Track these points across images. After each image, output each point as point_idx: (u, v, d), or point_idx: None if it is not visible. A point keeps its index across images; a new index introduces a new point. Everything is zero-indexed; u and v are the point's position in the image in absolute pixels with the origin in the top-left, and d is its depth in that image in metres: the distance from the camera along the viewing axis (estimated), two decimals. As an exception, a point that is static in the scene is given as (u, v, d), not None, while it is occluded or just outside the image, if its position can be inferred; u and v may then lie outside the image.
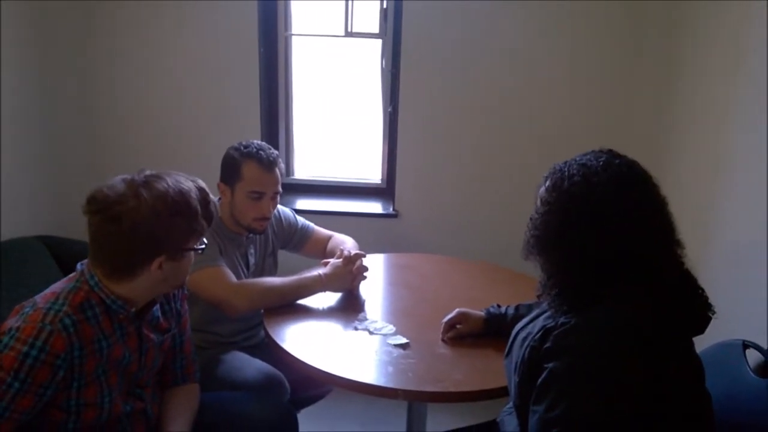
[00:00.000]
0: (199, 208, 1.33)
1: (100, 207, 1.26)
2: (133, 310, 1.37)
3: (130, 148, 2.92)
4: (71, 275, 1.36)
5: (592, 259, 1.16)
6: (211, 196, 1.41)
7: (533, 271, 2.21)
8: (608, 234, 1.14)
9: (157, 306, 1.49)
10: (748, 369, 1.54)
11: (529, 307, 1.71)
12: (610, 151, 1.22)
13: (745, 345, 1.59)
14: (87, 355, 1.28)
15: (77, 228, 2.61)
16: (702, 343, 1.67)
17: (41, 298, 1.29)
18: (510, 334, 1.52)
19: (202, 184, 1.40)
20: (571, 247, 1.17)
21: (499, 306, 1.77)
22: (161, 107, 2.89)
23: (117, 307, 1.33)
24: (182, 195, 1.31)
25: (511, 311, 1.73)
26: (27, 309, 1.26)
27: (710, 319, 1.17)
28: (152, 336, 1.46)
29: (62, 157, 2.72)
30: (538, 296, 1.28)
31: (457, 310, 1.76)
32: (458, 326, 1.75)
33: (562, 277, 1.20)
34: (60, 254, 2.30)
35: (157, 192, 1.28)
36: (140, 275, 1.31)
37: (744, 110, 2.04)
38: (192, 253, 1.40)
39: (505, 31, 2.74)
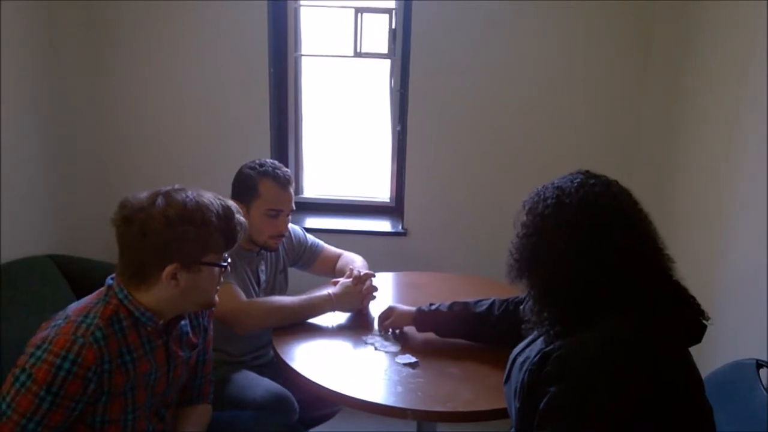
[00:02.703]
0: (216, 222, 1.33)
1: (121, 212, 1.31)
2: (161, 322, 1.37)
3: (140, 166, 2.95)
4: (100, 289, 1.37)
5: (572, 280, 1.15)
6: (241, 218, 1.41)
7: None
8: (584, 254, 1.14)
9: (186, 321, 1.49)
10: (762, 388, 1.52)
11: (465, 305, 1.78)
12: (587, 171, 1.23)
13: (759, 364, 1.57)
14: (115, 369, 1.29)
15: (88, 246, 2.66)
16: (715, 362, 1.66)
17: (73, 312, 1.30)
18: (445, 330, 1.79)
19: (232, 204, 1.41)
20: (550, 269, 1.18)
21: (431, 304, 1.85)
22: (171, 125, 2.92)
23: (146, 319, 1.34)
24: (198, 206, 1.32)
25: (444, 308, 1.81)
26: (59, 321, 1.28)
27: (705, 327, 1.16)
28: (181, 353, 1.47)
29: (72, 176, 2.74)
30: (527, 320, 1.28)
31: (389, 305, 1.90)
32: (388, 320, 1.86)
33: (547, 300, 1.20)
34: (70, 273, 2.31)
35: (172, 200, 1.31)
36: (155, 283, 1.32)
37: (755, 120, 2.02)
38: (216, 271, 1.39)
39: (513, 51, 2.76)
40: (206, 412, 1.62)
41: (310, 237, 2.30)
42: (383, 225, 3.05)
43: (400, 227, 3.00)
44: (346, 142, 3.30)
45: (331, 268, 2.26)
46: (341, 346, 1.86)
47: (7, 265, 2.19)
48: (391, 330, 1.89)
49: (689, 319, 1.16)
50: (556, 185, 1.21)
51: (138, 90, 2.87)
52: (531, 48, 2.75)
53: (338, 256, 2.29)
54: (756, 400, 1.51)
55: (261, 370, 2.04)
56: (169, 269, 1.30)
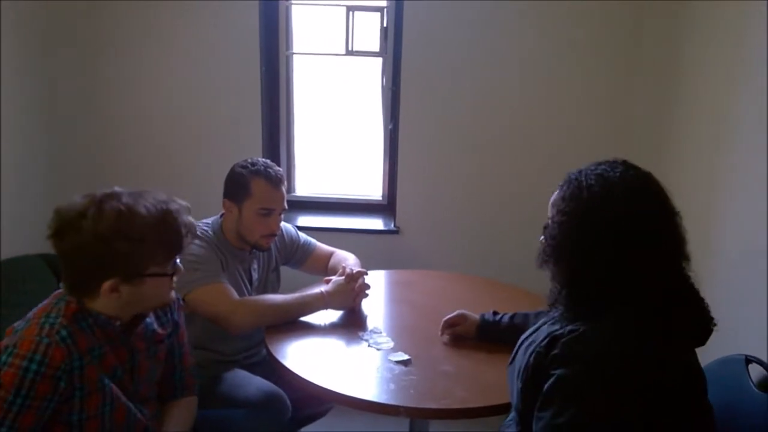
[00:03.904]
0: (153, 235, 1.27)
1: (53, 224, 1.26)
2: (118, 323, 1.35)
3: (131, 165, 2.94)
4: (56, 293, 1.34)
5: (605, 269, 1.16)
6: (187, 218, 1.34)
7: (534, 286, 2.20)
8: (623, 245, 1.15)
9: (151, 318, 1.46)
10: (751, 384, 1.53)
11: (525, 316, 1.75)
12: (625, 161, 1.23)
13: (748, 360, 1.58)
14: (86, 364, 1.27)
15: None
16: (704, 358, 1.67)
17: (34, 314, 1.29)
18: (502, 341, 1.69)
19: (175, 205, 1.33)
20: (586, 256, 1.18)
21: (495, 313, 1.82)
22: (163, 125, 2.91)
23: (101, 323, 1.32)
24: (131, 219, 1.25)
25: (506, 319, 1.78)
26: (21, 325, 1.26)
27: (711, 331, 1.18)
28: (143, 347, 1.43)
29: (63, 174, 2.73)
30: (550, 305, 1.28)
31: (458, 311, 1.84)
32: (457, 327, 1.82)
33: (576, 286, 1.21)
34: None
35: (105, 215, 1.24)
36: (96, 297, 1.28)
37: (745, 116, 2.04)
38: (159, 279, 1.33)
39: (505, 50, 2.76)
40: (191, 404, 1.61)
41: (303, 235, 2.30)
42: (375, 223, 3.05)
43: (392, 225, 3.00)
44: (338, 141, 3.30)
45: (323, 267, 2.26)
46: (334, 344, 1.86)
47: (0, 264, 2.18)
48: (445, 336, 1.84)
49: (698, 321, 1.18)
50: (596, 172, 1.20)
51: (131, 89, 2.86)
52: (523, 46, 2.76)
53: (330, 254, 2.29)
54: (745, 395, 1.52)
55: (253, 368, 2.04)
56: (108, 284, 1.26)
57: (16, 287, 2.10)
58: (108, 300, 1.29)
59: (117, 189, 1.30)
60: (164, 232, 1.29)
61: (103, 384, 1.32)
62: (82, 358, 1.27)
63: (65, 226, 1.25)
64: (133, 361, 1.41)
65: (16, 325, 1.29)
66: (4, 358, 1.20)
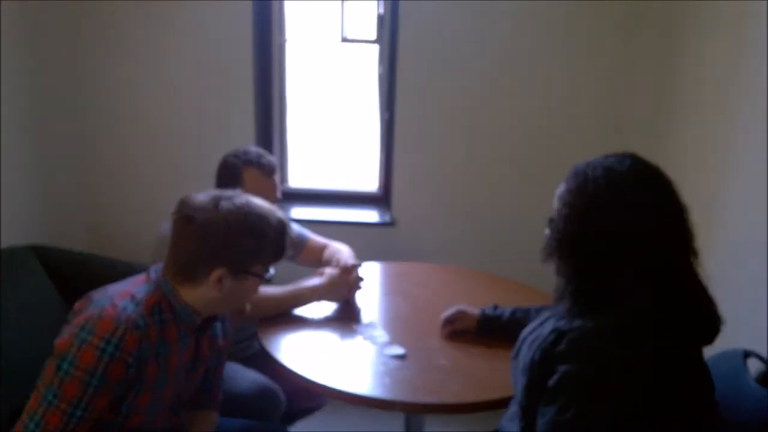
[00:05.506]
0: (271, 235, 1.36)
1: (182, 210, 1.33)
2: (199, 319, 1.39)
3: (123, 156, 2.92)
4: (143, 276, 1.38)
5: (610, 264, 1.16)
6: (292, 233, 1.44)
7: (529, 279, 2.20)
8: (629, 240, 1.14)
9: (219, 324, 1.51)
10: (750, 378, 1.52)
11: (526, 311, 1.73)
12: (633, 155, 1.22)
13: (746, 354, 1.57)
14: (150, 358, 1.29)
15: (68, 237, 2.62)
16: (704, 351, 1.66)
17: (117, 295, 1.30)
18: (502, 336, 1.69)
19: (286, 218, 1.43)
20: (591, 251, 1.17)
21: (496, 307, 1.80)
22: (155, 115, 2.88)
23: (185, 315, 1.35)
24: (258, 217, 1.34)
25: (507, 314, 1.76)
26: (104, 302, 1.28)
27: (719, 330, 1.17)
28: (208, 354, 1.49)
29: (54, 166, 2.71)
30: (556, 299, 1.27)
31: (455, 307, 1.81)
32: (456, 323, 1.80)
33: (582, 281, 1.20)
34: (50, 264, 2.27)
35: (234, 207, 1.33)
36: (201, 284, 1.33)
37: (744, 110, 2.05)
38: (258, 280, 1.41)
39: (502, 37, 2.74)
40: (214, 419, 1.64)
41: (296, 227, 2.27)
42: (371, 215, 3.04)
43: (387, 218, 2.98)
44: (332, 131, 3.28)
45: (317, 259, 2.23)
46: (328, 337, 1.85)
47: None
48: (443, 331, 1.82)
49: (705, 319, 1.18)
50: (604, 165, 1.19)
51: (120, 77, 2.82)
52: (521, 35, 2.74)
53: (324, 247, 2.27)
54: (744, 390, 1.51)
55: (248, 361, 2.04)
56: (217, 272, 1.32)
57: (4, 279, 2.07)
58: (208, 291, 1.34)
59: (241, 191, 1.41)
60: (279, 236, 1.39)
61: (158, 385, 1.33)
62: (149, 351, 1.29)
63: (199, 210, 1.31)
64: (194, 364, 1.44)
65: (94, 297, 1.31)
66: (83, 335, 1.22)
